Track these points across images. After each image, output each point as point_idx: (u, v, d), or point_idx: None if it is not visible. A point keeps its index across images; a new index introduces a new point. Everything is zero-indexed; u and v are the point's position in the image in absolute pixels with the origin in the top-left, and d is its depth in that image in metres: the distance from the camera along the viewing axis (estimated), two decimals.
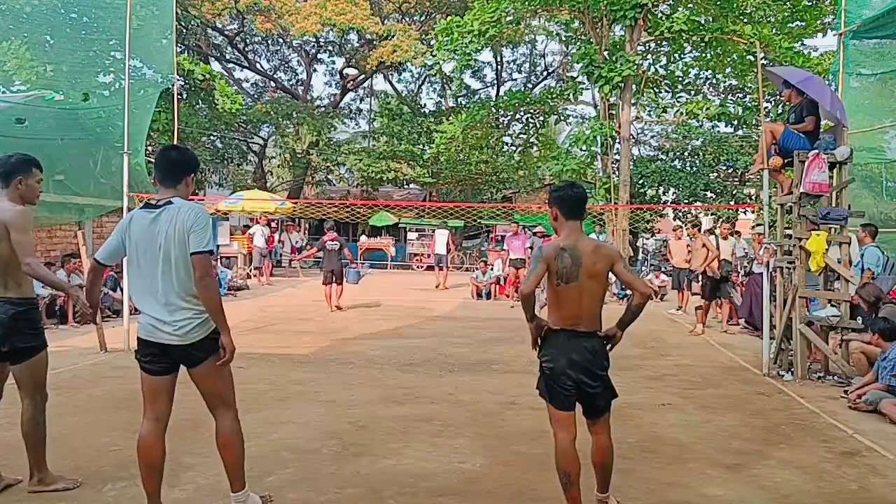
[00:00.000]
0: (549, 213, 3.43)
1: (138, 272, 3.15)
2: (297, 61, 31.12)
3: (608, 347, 3.32)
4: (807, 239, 6.70)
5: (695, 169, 24.38)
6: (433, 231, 26.01)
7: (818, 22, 17.51)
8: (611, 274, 3.29)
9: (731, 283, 10.45)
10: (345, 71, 29.52)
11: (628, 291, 3.64)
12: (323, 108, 28.30)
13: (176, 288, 3.08)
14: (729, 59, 17.90)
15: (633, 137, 23.06)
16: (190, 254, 3.05)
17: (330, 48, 29.70)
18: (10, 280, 3.57)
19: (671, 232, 11.20)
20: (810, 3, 17.29)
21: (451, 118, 22.67)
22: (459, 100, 29.21)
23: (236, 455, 3.24)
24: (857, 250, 7.71)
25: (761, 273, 7.78)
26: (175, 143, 10.12)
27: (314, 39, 27.40)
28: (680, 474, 4.07)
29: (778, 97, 17.94)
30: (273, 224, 21.01)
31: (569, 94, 20.39)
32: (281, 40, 28.79)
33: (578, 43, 19.01)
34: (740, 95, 22.61)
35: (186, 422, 4.85)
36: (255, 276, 17.35)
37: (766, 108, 17.91)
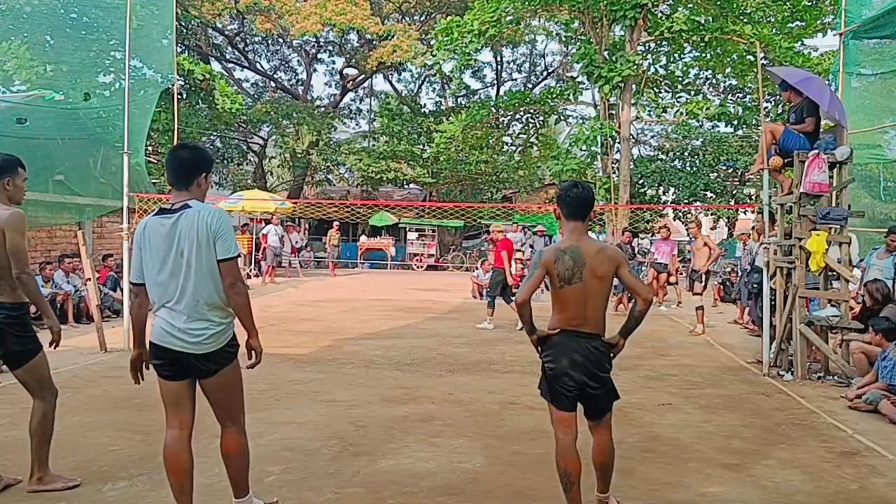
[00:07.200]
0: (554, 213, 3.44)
1: (155, 280, 3.01)
2: (297, 61, 31.16)
3: (611, 355, 3.32)
4: (807, 239, 6.71)
5: (695, 169, 24.41)
6: (433, 231, 26.08)
7: (818, 22, 17.54)
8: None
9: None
10: (345, 71, 29.54)
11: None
12: (323, 108, 28.30)
13: (198, 297, 2.96)
14: (729, 59, 17.93)
15: (633, 137, 23.10)
16: (218, 261, 2.97)
17: (330, 48, 29.72)
18: (3, 284, 3.54)
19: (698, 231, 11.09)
20: (810, 3, 17.31)
21: (450, 118, 22.71)
22: (459, 100, 29.23)
23: (239, 465, 3.17)
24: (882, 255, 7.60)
25: None
26: (176, 142, 10.10)
27: (314, 39, 27.41)
28: (680, 474, 4.07)
29: (778, 97, 17.98)
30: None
31: (569, 94, 20.43)
32: (281, 40, 28.80)
33: (578, 43, 19.02)
34: (740, 95, 22.66)
35: None
36: (266, 272, 17.45)
37: (766, 108, 17.94)
